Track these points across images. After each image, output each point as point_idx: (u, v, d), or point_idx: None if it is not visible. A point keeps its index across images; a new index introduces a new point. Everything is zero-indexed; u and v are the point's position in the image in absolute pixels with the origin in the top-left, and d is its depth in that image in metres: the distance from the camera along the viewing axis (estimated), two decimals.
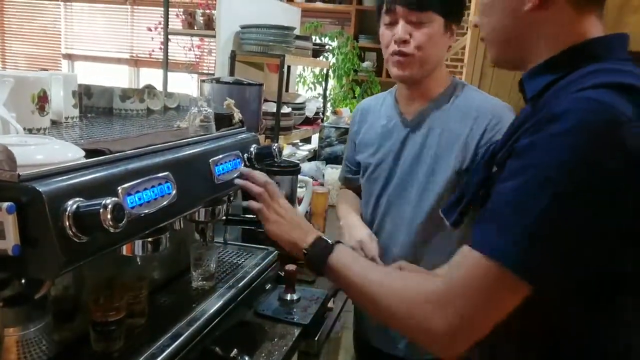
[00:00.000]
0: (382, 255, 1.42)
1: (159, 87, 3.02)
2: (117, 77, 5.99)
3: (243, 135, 1.31)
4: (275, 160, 1.30)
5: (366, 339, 1.60)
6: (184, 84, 4.95)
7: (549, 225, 0.65)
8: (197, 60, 5.14)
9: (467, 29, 3.68)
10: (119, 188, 0.80)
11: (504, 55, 0.85)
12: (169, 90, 3.23)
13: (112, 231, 0.70)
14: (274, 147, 1.29)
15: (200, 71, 5.42)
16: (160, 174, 0.91)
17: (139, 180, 0.85)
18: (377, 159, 1.50)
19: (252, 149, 1.28)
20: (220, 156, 1.14)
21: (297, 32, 3.16)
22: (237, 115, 1.36)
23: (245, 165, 1.24)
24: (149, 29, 5.20)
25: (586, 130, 0.63)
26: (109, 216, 0.70)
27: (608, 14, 2.32)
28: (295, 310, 1.43)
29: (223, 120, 1.31)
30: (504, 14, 0.80)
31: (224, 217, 1.21)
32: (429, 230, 1.42)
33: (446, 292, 0.73)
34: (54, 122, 1.13)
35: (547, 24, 0.77)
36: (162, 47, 2.88)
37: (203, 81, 1.73)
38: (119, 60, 6.04)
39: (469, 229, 0.77)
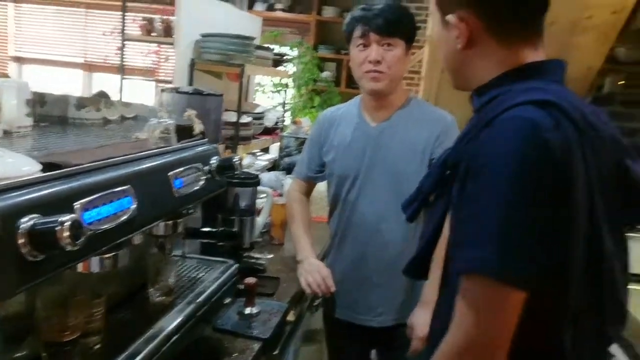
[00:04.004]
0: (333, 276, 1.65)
1: (114, 93, 2.95)
2: (69, 82, 5.80)
3: (204, 147, 1.29)
4: (236, 172, 1.29)
5: (335, 315, 1.77)
6: (140, 90, 4.85)
7: (510, 230, 0.74)
8: (155, 66, 5.05)
9: (424, 42, 3.78)
10: (76, 203, 0.77)
11: (456, 81, 1.00)
12: (125, 96, 3.16)
13: (69, 249, 0.68)
14: (235, 160, 1.28)
15: (157, 77, 5.33)
16: (119, 188, 0.89)
17: (97, 195, 0.83)
18: (344, 162, 1.71)
19: (213, 161, 1.27)
20: (181, 169, 1.12)
21: (257, 41, 3.15)
22: (198, 127, 1.34)
23: (205, 178, 1.23)
24: (105, 34, 5.07)
25: (517, 145, 0.75)
26: (66, 234, 0.67)
27: (559, 36, 2.43)
28: (255, 324, 1.42)
29: (184, 132, 1.29)
30: (447, 51, 0.96)
31: (184, 231, 1.19)
32: (392, 224, 1.63)
33: (457, 325, 0.81)
34: (5, 132, 1.08)
35: (479, 58, 0.91)
36: (118, 52, 2.82)
37: (162, 91, 1.70)
38: (71, 65, 5.85)
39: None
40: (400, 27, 1.59)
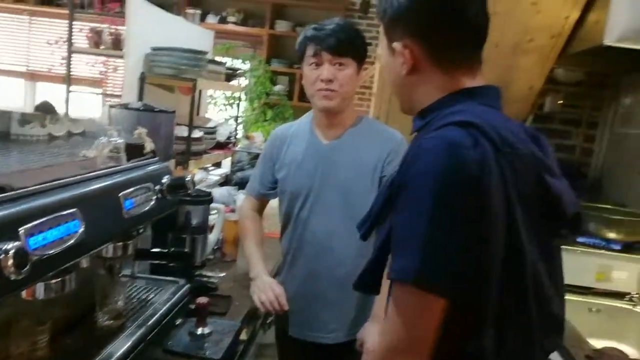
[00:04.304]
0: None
1: (58, 104, 2.85)
2: (10, 91, 5.57)
3: (155, 166, 1.27)
4: (189, 191, 1.28)
5: (288, 332, 1.76)
6: (86, 102, 4.72)
7: (429, 242, 0.79)
8: (102, 77, 4.93)
9: (374, 58, 3.85)
10: (21, 229, 0.75)
11: (402, 105, 1.06)
12: (70, 107, 3.06)
13: (13, 278, 0.66)
14: (188, 178, 1.27)
15: (104, 88, 5.20)
16: (66, 212, 0.87)
17: (43, 219, 0.80)
18: (296, 179, 1.71)
19: (164, 180, 1.25)
20: (131, 189, 1.10)
21: (210, 54, 3.13)
22: (149, 145, 1.32)
23: (156, 198, 1.21)
24: (49, 43, 4.90)
25: (436, 163, 0.80)
26: (9, 262, 0.65)
27: (503, 57, 2.52)
28: (207, 344, 1.40)
29: (134, 151, 1.27)
30: (393, 76, 1.01)
31: (134, 252, 1.16)
32: (344, 241, 1.65)
33: (384, 330, 0.89)
34: None
35: (422, 83, 0.97)
36: (63, 62, 2.73)
37: (112, 107, 1.67)
38: (13, 73, 5.62)
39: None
40: (351, 47, 1.63)
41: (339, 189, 1.67)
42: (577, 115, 3.16)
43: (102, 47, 2.72)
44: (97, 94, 4.83)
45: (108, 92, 4.68)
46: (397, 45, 0.96)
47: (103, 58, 4.64)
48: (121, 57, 2.58)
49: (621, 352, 1.67)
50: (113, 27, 2.94)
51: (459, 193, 0.79)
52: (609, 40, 2.04)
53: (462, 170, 0.79)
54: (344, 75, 1.62)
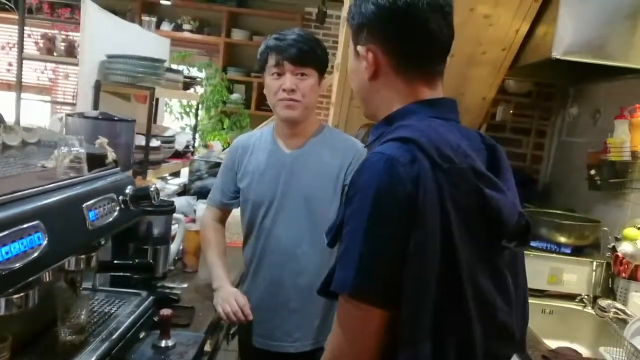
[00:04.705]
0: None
1: (5, 111, 2.73)
2: None
3: (117, 176, 1.25)
4: (153, 202, 1.26)
5: (252, 342, 1.75)
6: (34, 110, 4.55)
7: (365, 255, 0.82)
8: (51, 84, 4.77)
9: (332, 67, 3.90)
10: None
11: (365, 109, 1.07)
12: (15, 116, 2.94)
13: None
14: (152, 189, 1.25)
15: (54, 96, 5.04)
16: (29, 224, 0.84)
17: (5, 233, 0.78)
18: (259, 188, 1.71)
19: (127, 190, 1.23)
20: (94, 200, 1.07)
21: (167, 63, 3.09)
22: (111, 155, 1.29)
23: (120, 208, 1.18)
24: None
25: (374, 179, 0.83)
26: None
27: (459, 67, 2.61)
28: (171, 357, 1.37)
29: (95, 161, 1.24)
30: (358, 81, 1.03)
31: (97, 264, 1.13)
32: (307, 249, 1.66)
33: (329, 339, 0.92)
34: None
35: (384, 90, 0.99)
36: (10, 68, 2.63)
37: (68, 115, 1.62)
38: None
39: None
40: (313, 57, 1.64)
41: (302, 198, 1.68)
42: (527, 124, 3.30)
43: (55, 53, 2.63)
44: (45, 101, 4.67)
45: (58, 100, 4.53)
46: (361, 49, 0.98)
47: (53, 65, 4.50)
48: (74, 64, 2.51)
49: (575, 351, 1.75)
50: (63, 33, 2.86)
51: (393, 208, 0.82)
52: (556, 53, 2.14)
53: (397, 185, 0.82)
54: (306, 85, 1.63)
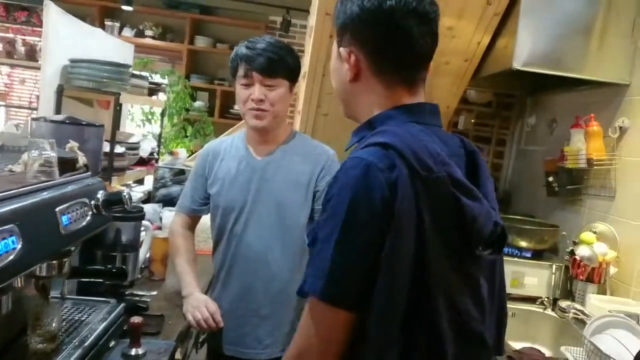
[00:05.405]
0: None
1: None
2: None
3: (89, 181, 1.23)
4: (126, 207, 1.24)
5: (222, 350, 1.72)
6: None
7: (336, 258, 0.83)
8: (7, 89, 4.61)
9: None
10: None
11: (346, 111, 1.07)
12: None
13: None
14: (125, 194, 1.23)
15: (9, 100, 4.88)
16: (3, 227, 0.82)
17: None
18: (230, 194, 1.70)
19: (99, 195, 1.21)
20: (67, 204, 1.05)
21: (131, 69, 3.04)
22: (82, 159, 1.27)
23: (91, 213, 1.16)
24: None
25: (351, 184, 0.84)
26: None
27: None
28: None
29: (66, 165, 1.21)
30: (339, 81, 1.03)
31: (69, 270, 1.11)
32: (278, 255, 1.67)
33: (293, 339, 0.93)
34: None
35: (364, 93, 0.99)
36: None
37: (34, 119, 1.58)
38: None
39: None
40: (283, 66, 1.63)
41: (273, 204, 1.68)
42: (488, 133, 3.40)
43: (15, 57, 2.55)
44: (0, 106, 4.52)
45: (14, 104, 4.38)
46: (343, 51, 0.98)
47: (8, 69, 4.36)
48: (35, 68, 2.44)
49: (539, 351, 1.81)
50: (20, 37, 2.78)
51: (369, 213, 0.82)
52: (516, 64, 2.23)
53: (374, 191, 0.82)
54: (275, 95, 1.63)
